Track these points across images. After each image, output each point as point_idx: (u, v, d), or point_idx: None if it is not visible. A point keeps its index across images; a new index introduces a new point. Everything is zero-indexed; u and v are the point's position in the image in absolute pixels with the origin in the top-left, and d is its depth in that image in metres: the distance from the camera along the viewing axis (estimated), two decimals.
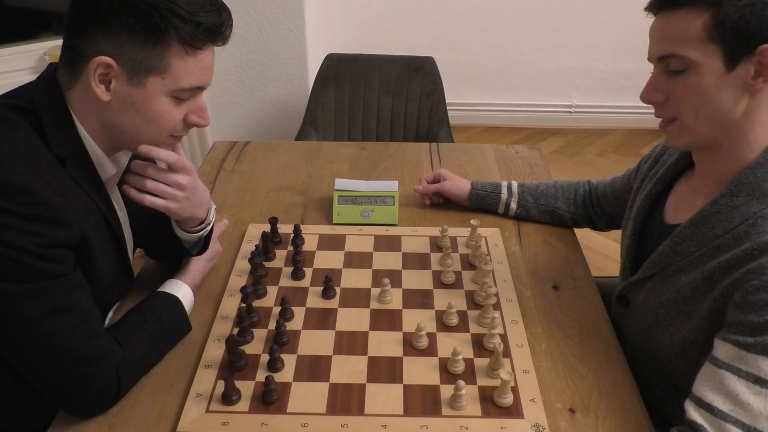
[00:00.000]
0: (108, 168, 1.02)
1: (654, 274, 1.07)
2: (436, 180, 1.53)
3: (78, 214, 0.93)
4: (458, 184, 1.50)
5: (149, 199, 1.03)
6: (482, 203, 1.49)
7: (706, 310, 0.95)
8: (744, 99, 0.92)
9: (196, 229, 1.15)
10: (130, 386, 1.02)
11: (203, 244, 1.22)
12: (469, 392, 1.01)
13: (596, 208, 1.43)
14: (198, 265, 1.23)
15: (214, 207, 1.19)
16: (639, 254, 1.17)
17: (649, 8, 0.96)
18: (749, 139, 0.95)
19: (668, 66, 0.95)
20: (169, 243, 1.19)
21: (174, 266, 1.23)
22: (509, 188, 1.48)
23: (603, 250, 2.65)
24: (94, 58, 0.89)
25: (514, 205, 1.46)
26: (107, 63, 0.89)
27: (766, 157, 0.93)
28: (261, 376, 1.03)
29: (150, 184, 1.03)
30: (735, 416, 0.84)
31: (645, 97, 1.00)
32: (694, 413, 0.87)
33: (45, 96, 0.95)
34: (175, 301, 1.13)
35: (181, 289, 1.16)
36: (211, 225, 1.19)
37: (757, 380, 0.83)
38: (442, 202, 1.54)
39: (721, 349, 0.88)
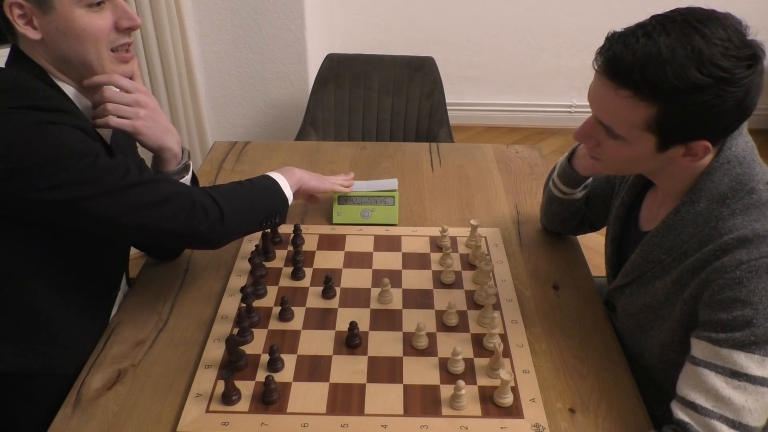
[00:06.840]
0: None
1: (631, 281, 1.10)
2: None
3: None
4: None
5: (114, 120, 1.05)
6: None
7: (678, 312, 0.97)
8: (670, 161, 0.95)
9: (175, 169, 1.16)
10: (230, 212, 1.09)
11: None
12: (469, 392, 1.01)
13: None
14: (292, 172, 1.31)
15: (187, 150, 1.20)
16: (619, 260, 1.19)
17: (597, 69, 0.93)
18: (687, 170, 0.96)
19: (603, 125, 0.96)
20: None
21: (174, 266, 1.23)
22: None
23: (603, 250, 2.64)
24: (3, 2, 0.94)
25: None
26: (15, 2, 0.94)
27: (720, 162, 0.95)
28: (261, 376, 1.03)
29: (110, 107, 1.05)
30: (719, 412, 0.85)
31: (577, 138, 1.03)
32: (680, 413, 0.89)
33: (17, 62, 1.01)
34: (270, 179, 1.24)
35: (276, 175, 1.26)
36: (191, 170, 1.20)
37: (734, 374, 0.85)
38: None
39: (697, 347, 0.90)
